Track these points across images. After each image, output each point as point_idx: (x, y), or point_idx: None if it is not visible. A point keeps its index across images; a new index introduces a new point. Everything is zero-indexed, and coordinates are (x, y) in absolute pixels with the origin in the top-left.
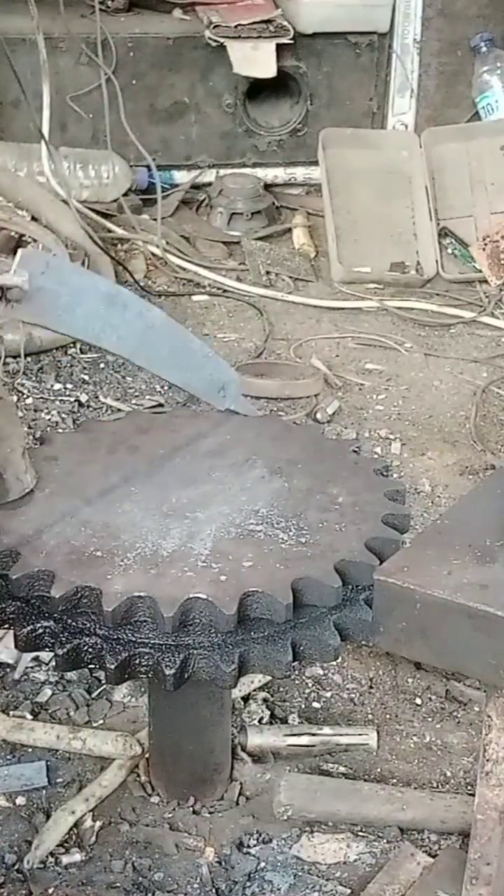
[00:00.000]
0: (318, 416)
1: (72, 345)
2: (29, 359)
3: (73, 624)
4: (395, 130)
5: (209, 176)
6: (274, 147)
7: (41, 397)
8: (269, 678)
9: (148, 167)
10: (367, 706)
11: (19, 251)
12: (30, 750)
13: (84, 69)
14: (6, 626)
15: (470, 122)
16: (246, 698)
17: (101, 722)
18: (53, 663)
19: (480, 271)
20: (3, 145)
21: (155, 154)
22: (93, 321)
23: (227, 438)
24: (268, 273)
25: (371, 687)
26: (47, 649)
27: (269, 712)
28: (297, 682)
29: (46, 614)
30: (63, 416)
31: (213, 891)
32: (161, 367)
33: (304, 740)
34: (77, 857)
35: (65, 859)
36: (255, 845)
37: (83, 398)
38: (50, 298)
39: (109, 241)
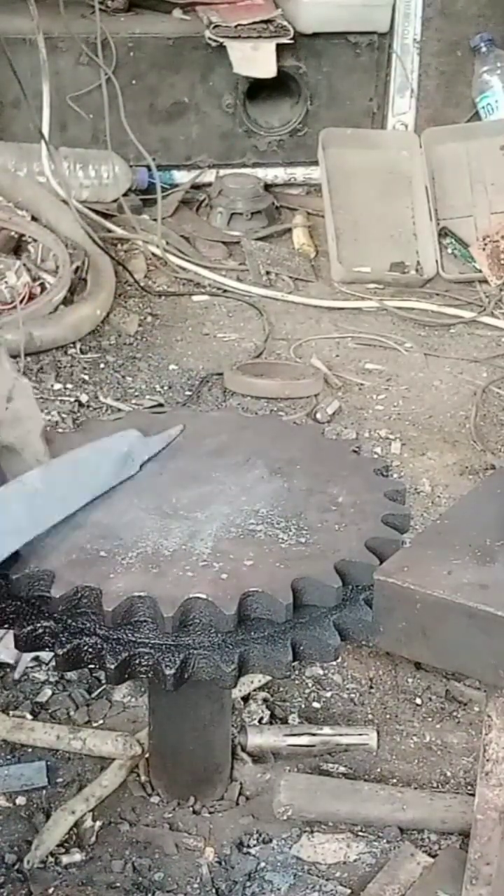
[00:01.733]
0: (318, 416)
1: (72, 345)
2: (29, 359)
3: (73, 624)
4: (395, 130)
5: (209, 176)
6: (274, 147)
7: (41, 397)
8: (269, 678)
9: (148, 167)
10: (367, 706)
11: None
12: (30, 750)
13: (84, 69)
14: (6, 626)
15: (470, 122)
16: (246, 698)
17: (101, 722)
18: (53, 663)
19: (480, 271)
20: (3, 145)
21: (155, 154)
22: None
23: (227, 438)
24: (268, 273)
25: (371, 687)
26: (47, 649)
27: (269, 712)
28: (297, 682)
29: (46, 614)
30: (63, 416)
31: (213, 891)
32: (85, 495)
33: (304, 740)
34: (77, 857)
35: (65, 859)
36: (255, 845)
37: (83, 398)
38: None
39: (109, 241)
